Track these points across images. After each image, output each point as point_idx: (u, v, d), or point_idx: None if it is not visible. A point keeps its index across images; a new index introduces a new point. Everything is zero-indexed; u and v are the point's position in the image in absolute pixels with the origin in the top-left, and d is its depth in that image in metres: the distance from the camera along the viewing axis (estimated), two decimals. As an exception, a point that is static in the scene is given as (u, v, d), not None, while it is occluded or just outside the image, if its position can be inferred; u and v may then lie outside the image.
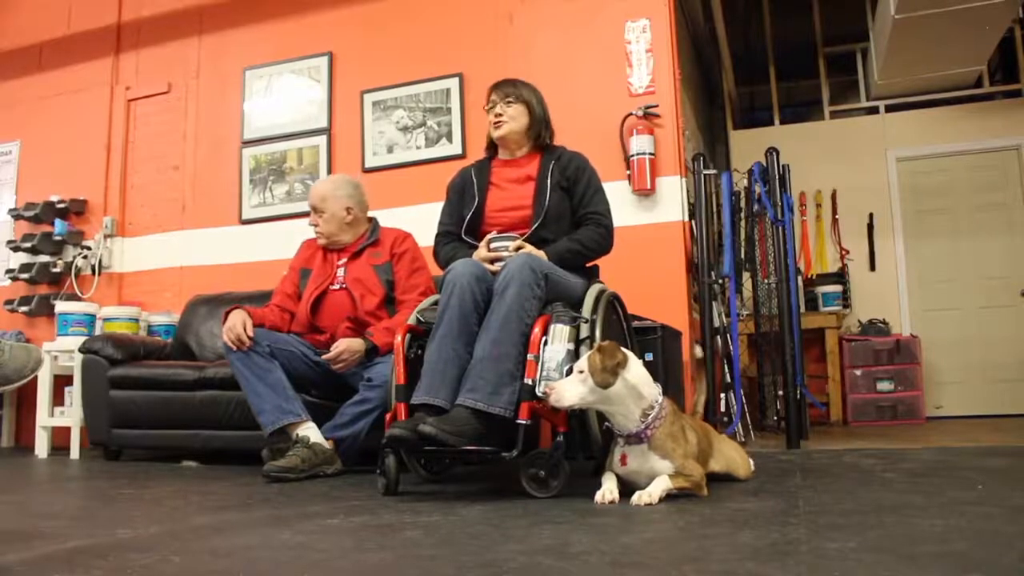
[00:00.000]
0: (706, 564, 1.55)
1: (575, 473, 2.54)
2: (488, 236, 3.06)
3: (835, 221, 7.24)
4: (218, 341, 4.52)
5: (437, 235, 3.31)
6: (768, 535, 1.82)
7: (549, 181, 3.11)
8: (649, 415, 2.38)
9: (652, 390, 2.42)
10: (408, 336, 2.84)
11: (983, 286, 6.92)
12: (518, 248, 2.94)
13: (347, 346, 3.44)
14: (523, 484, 2.51)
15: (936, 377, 6.75)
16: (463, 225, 3.18)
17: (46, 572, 1.63)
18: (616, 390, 2.36)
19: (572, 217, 3.16)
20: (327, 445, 3.28)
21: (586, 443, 2.73)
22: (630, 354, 2.43)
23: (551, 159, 3.19)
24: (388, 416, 2.71)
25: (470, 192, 3.24)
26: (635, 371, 2.40)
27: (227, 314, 3.47)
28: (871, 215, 7.13)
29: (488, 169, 3.29)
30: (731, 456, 2.70)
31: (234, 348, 3.33)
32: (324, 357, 3.46)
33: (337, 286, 3.66)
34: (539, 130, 3.26)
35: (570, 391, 2.38)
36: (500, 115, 3.22)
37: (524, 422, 2.52)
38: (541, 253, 2.93)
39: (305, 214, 5.07)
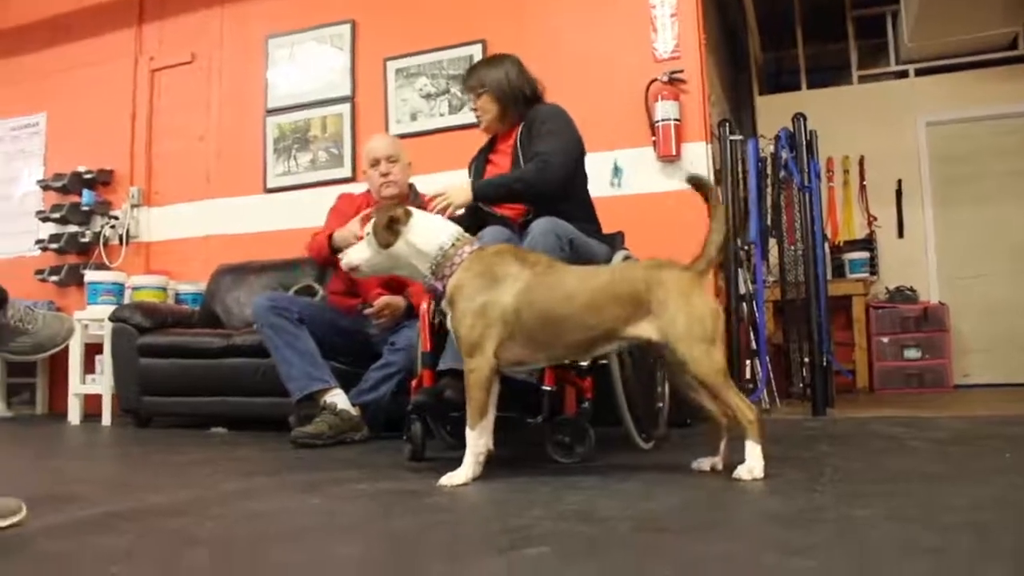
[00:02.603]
0: (730, 530, 1.56)
1: (600, 439, 2.54)
2: (365, 212, 3.36)
3: (863, 187, 7.14)
4: (245, 309, 4.57)
5: None
6: (794, 502, 1.82)
7: (521, 150, 3.08)
8: (440, 266, 2.30)
9: (437, 242, 2.31)
10: (434, 303, 2.84)
11: (1013, 253, 6.81)
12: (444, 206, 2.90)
13: (388, 301, 3.47)
14: (548, 450, 2.52)
15: (964, 345, 6.68)
16: None
17: (80, 535, 1.66)
18: (398, 249, 2.32)
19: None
20: (354, 412, 3.30)
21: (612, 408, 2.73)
22: (416, 212, 2.37)
23: (525, 126, 3.12)
24: (414, 383, 2.73)
25: (473, 175, 3.28)
26: (417, 229, 2.33)
27: (327, 240, 3.52)
28: (899, 181, 7.02)
29: (490, 147, 3.31)
30: (672, 320, 2.17)
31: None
32: (367, 311, 3.50)
33: None
34: (515, 106, 3.15)
35: (356, 253, 2.39)
36: (475, 110, 3.24)
37: (549, 388, 2.53)
38: (467, 193, 2.89)
39: (331, 182, 5.13)
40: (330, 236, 3.51)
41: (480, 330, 2.19)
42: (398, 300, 3.50)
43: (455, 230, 2.36)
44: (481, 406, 2.21)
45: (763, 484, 2.04)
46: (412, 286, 3.52)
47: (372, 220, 2.36)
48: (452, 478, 2.16)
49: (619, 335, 2.23)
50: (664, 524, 1.64)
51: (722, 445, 2.31)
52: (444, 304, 2.31)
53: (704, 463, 2.30)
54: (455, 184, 2.99)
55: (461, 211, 2.87)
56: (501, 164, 3.17)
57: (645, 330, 2.19)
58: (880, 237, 6.95)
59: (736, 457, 2.15)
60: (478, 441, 2.22)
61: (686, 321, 2.15)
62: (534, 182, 2.88)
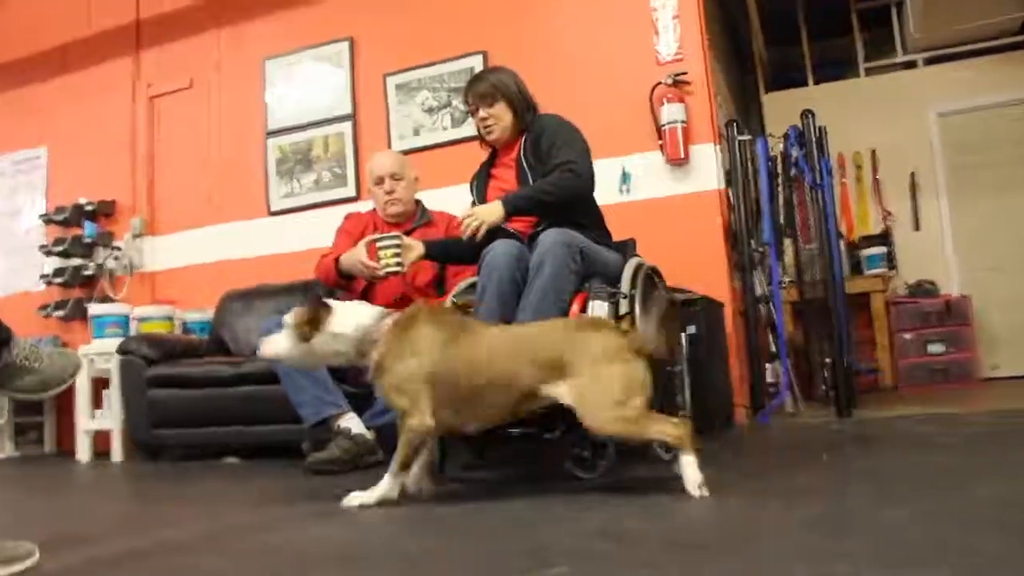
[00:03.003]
0: (763, 542, 1.53)
1: (622, 452, 2.52)
2: (368, 238, 3.26)
3: (876, 182, 7.11)
4: (254, 335, 4.56)
5: None
6: (823, 508, 1.79)
7: (525, 163, 3.06)
8: (365, 345, 2.32)
9: (355, 322, 2.33)
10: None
11: (1034, 241, 6.77)
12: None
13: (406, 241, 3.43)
14: (567, 466, 2.50)
15: (989, 337, 6.63)
16: None
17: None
18: (319, 342, 2.33)
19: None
20: (368, 435, 3.28)
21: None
22: (337, 305, 2.37)
23: (527, 137, 3.12)
24: (428, 403, 2.70)
25: (475, 193, 3.26)
26: (337, 318, 2.34)
27: (334, 263, 3.48)
28: (913, 174, 6.99)
29: (491, 162, 3.28)
30: (579, 383, 2.15)
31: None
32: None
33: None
34: (525, 113, 3.17)
35: (274, 344, 2.38)
36: (486, 119, 3.16)
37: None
38: (497, 211, 2.87)
39: (335, 202, 5.14)
40: (337, 259, 3.49)
41: (409, 397, 2.23)
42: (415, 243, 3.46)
43: (375, 310, 2.39)
44: (406, 461, 2.25)
45: (793, 489, 2.02)
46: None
47: (292, 315, 2.36)
48: (354, 498, 2.24)
49: (539, 396, 2.21)
50: (693, 539, 1.62)
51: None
52: (371, 379, 2.34)
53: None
54: (408, 240, 3.05)
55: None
56: (505, 178, 3.16)
57: (560, 392, 2.18)
58: (896, 231, 6.92)
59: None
60: (392, 485, 2.25)
61: (596, 387, 2.14)
62: (573, 189, 2.91)
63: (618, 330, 2.26)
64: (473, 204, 3.19)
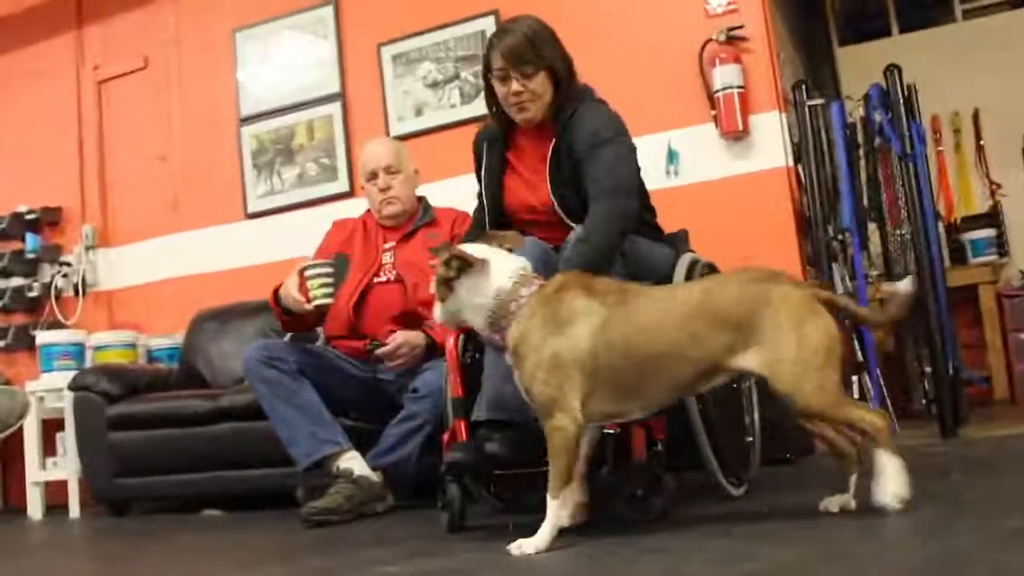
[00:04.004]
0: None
1: (681, 487, 2.54)
2: (300, 266, 3.31)
3: (980, 149, 7.07)
4: (233, 362, 4.61)
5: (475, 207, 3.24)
6: (930, 549, 1.80)
7: (562, 174, 2.89)
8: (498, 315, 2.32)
9: (494, 287, 2.31)
10: (462, 337, 2.85)
11: None
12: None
13: (405, 339, 3.47)
14: (618, 506, 2.52)
15: None
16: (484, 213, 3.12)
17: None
18: (461, 296, 2.34)
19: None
20: (374, 477, 3.31)
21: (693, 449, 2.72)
22: (485, 255, 2.36)
23: (571, 130, 2.88)
24: (446, 437, 2.73)
25: (485, 179, 3.10)
26: (470, 279, 2.33)
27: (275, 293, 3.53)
28: (1025, 137, 6.96)
29: (504, 142, 3.08)
30: (776, 349, 2.17)
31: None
32: (381, 351, 3.49)
33: (384, 278, 3.67)
34: (567, 93, 2.93)
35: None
36: (520, 93, 2.87)
37: (612, 432, 2.52)
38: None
39: (324, 200, 5.18)
40: (276, 291, 3.53)
41: (556, 385, 2.19)
42: (416, 336, 3.50)
43: (516, 266, 2.36)
44: (565, 472, 2.20)
45: (892, 529, 2.02)
46: (430, 319, 3.53)
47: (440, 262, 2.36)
48: (524, 546, 2.15)
49: (723, 368, 2.24)
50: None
51: (852, 480, 2.30)
52: (508, 359, 2.32)
53: (832, 503, 2.29)
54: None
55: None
56: (530, 174, 3.00)
57: (750, 361, 2.19)
58: (1007, 208, 6.86)
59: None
60: (560, 512, 2.20)
61: (796, 352, 2.15)
62: (616, 228, 2.70)
63: (797, 281, 2.28)
64: (480, 199, 3.11)
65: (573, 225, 2.77)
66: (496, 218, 3.02)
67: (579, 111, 2.90)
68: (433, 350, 3.46)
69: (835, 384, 2.16)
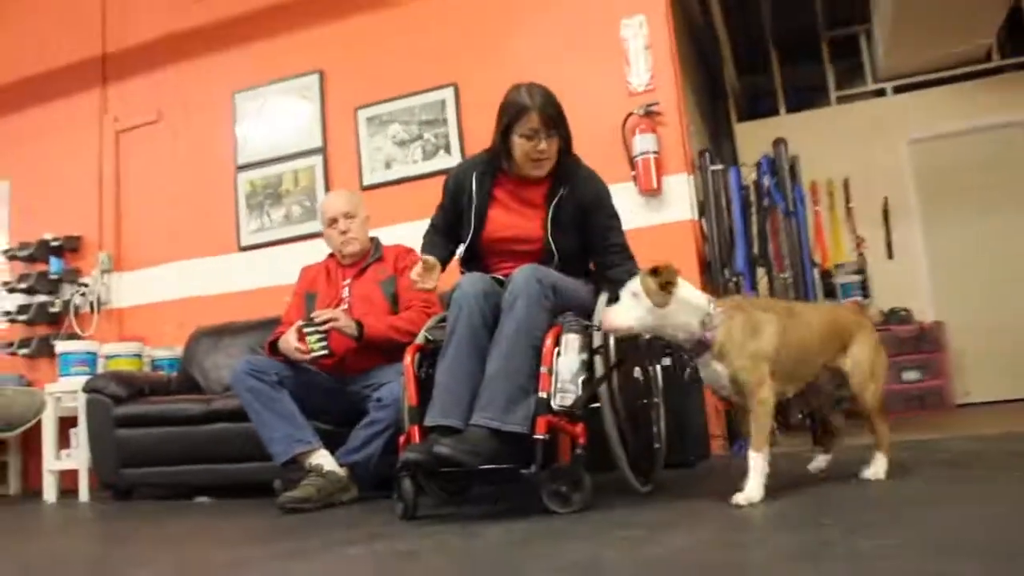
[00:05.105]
0: (740, 571, 1.55)
1: (597, 486, 2.54)
2: (299, 323, 3.38)
3: (849, 209, 7.21)
4: (224, 372, 4.56)
5: (427, 229, 3.22)
6: (801, 537, 1.82)
7: (560, 214, 2.92)
8: (707, 322, 2.43)
9: (702, 300, 2.46)
10: (418, 355, 2.85)
11: (1007, 267, 6.87)
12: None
13: (340, 319, 3.45)
14: (544, 501, 2.51)
15: (963, 363, 6.71)
16: (449, 231, 3.12)
17: (64, 621, 1.64)
18: (672, 308, 2.40)
19: (584, 251, 3.01)
20: (341, 472, 3.28)
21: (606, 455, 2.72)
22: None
23: (562, 185, 2.94)
24: (402, 439, 2.72)
25: (467, 210, 3.02)
26: (685, 287, 2.45)
27: (270, 345, 3.58)
28: (885, 200, 7.10)
29: (491, 180, 3.03)
30: (860, 360, 2.66)
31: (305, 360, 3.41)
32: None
33: (344, 307, 3.68)
34: (564, 155, 2.98)
35: (624, 314, 2.42)
36: (543, 151, 2.88)
37: (541, 437, 2.52)
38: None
39: (306, 236, 5.15)
40: (272, 343, 3.57)
41: (760, 370, 2.42)
42: (350, 326, 3.47)
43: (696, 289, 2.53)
44: (767, 431, 2.42)
45: (771, 520, 2.04)
46: (397, 320, 3.54)
47: (642, 281, 2.39)
48: (741, 497, 2.31)
49: (831, 365, 2.66)
50: (670, 571, 1.63)
51: (831, 452, 2.90)
52: (712, 356, 2.43)
53: (820, 462, 2.88)
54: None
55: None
56: (522, 214, 3.00)
57: (843, 362, 2.65)
58: (870, 259, 7.01)
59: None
60: (764, 463, 2.36)
61: (870, 361, 2.67)
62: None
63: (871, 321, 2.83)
64: (470, 222, 3.01)
65: (554, 251, 2.90)
66: (476, 239, 3.01)
67: (579, 171, 3.00)
68: (358, 341, 3.47)
69: (882, 392, 2.69)
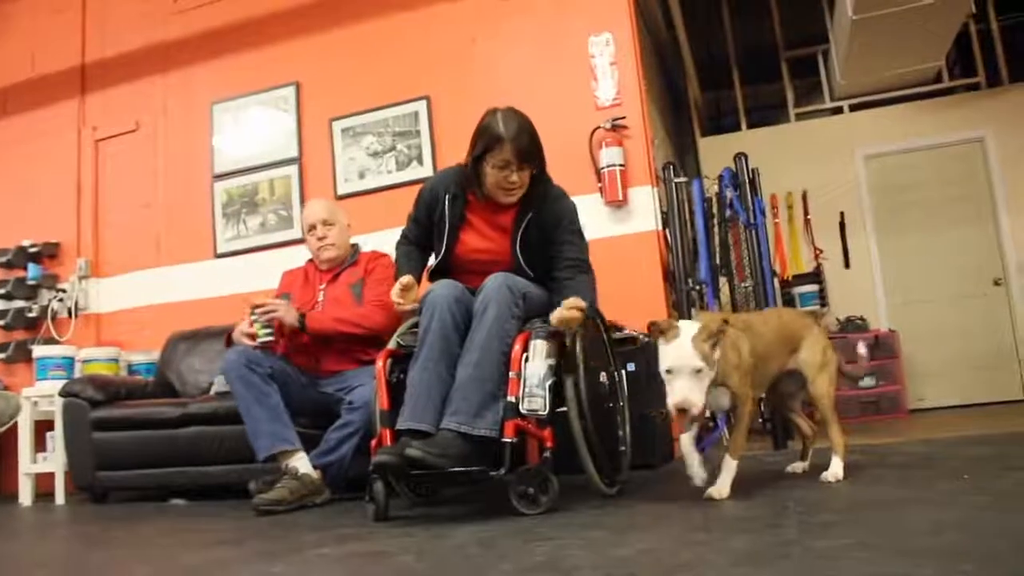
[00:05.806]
0: (701, 571, 1.55)
1: (564, 488, 2.53)
2: (253, 302, 3.44)
3: (807, 221, 7.29)
4: (200, 376, 4.52)
5: (399, 238, 3.20)
6: (760, 538, 1.82)
7: (528, 237, 2.92)
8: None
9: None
10: (390, 360, 2.83)
11: (957, 277, 6.99)
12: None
13: (281, 308, 3.48)
14: (513, 502, 2.50)
15: (916, 370, 6.79)
16: (422, 243, 3.12)
17: (36, 622, 1.60)
18: (718, 355, 2.43)
19: (548, 262, 2.95)
20: (314, 475, 3.25)
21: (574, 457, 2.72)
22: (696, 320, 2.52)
23: (530, 208, 2.92)
24: (374, 442, 2.70)
25: (439, 225, 3.00)
26: (694, 328, 2.43)
27: (229, 337, 3.63)
28: (842, 213, 7.19)
29: (463, 203, 2.99)
30: (809, 355, 2.78)
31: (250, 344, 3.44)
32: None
33: (318, 309, 3.67)
34: (537, 180, 2.95)
35: (698, 396, 2.34)
36: (515, 182, 2.85)
37: (510, 440, 2.51)
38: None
39: (281, 244, 5.12)
40: (230, 335, 3.63)
41: (747, 384, 2.54)
42: (292, 315, 3.48)
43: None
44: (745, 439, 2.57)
45: (732, 521, 2.05)
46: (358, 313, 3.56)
47: (697, 347, 2.34)
48: (715, 491, 2.43)
49: (786, 366, 2.79)
50: (633, 570, 1.63)
51: (808, 455, 2.99)
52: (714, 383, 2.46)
53: (796, 467, 2.97)
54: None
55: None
56: (490, 237, 2.99)
57: (796, 361, 2.79)
58: (827, 269, 7.09)
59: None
60: (734, 466, 2.49)
61: (821, 352, 2.79)
62: (595, 288, 2.98)
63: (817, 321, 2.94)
64: (442, 236, 2.98)
65: (527, 270, 2.90)
66: (448, 257, 3.00)
67: (549, 194, 2.98)
68: (303, 331, 3.50)
69: (833, 384, 2.79)
